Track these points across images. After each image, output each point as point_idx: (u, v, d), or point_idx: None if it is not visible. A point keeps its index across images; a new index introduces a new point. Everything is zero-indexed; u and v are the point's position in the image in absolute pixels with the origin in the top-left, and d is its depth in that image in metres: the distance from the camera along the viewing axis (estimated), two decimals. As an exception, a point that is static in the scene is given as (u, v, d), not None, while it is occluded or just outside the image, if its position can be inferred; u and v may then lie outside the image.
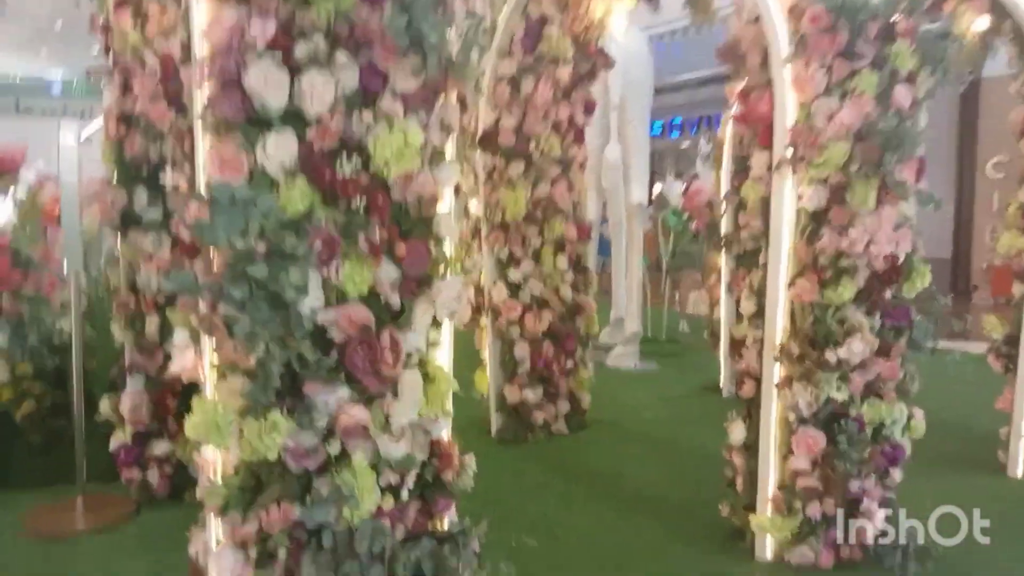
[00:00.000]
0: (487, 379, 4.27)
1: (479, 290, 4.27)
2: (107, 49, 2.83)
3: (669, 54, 10.96)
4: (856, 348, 2.52)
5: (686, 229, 6.92)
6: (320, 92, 1.60)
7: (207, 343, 1.66)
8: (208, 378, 1.70)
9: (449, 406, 1.97)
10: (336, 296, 1.70)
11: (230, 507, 1.65)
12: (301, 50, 1.57)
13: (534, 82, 3.89)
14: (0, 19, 19.80)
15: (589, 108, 4.22)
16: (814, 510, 2.61)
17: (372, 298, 1.76)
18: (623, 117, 6.01)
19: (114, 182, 2.92)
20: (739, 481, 2.90)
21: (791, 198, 2.56)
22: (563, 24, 3.80)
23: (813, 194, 2.52)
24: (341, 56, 1.62)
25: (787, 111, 2.50)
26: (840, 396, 2.56)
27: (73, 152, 2.65)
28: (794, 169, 2.50)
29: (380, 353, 1.70)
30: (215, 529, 1.74)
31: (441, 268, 1.90)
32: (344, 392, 1.70)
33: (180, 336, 1.65)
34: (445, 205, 1.94)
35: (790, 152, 2.49)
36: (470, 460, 2.03)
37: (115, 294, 3.08)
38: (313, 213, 1.59)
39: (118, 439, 3.13)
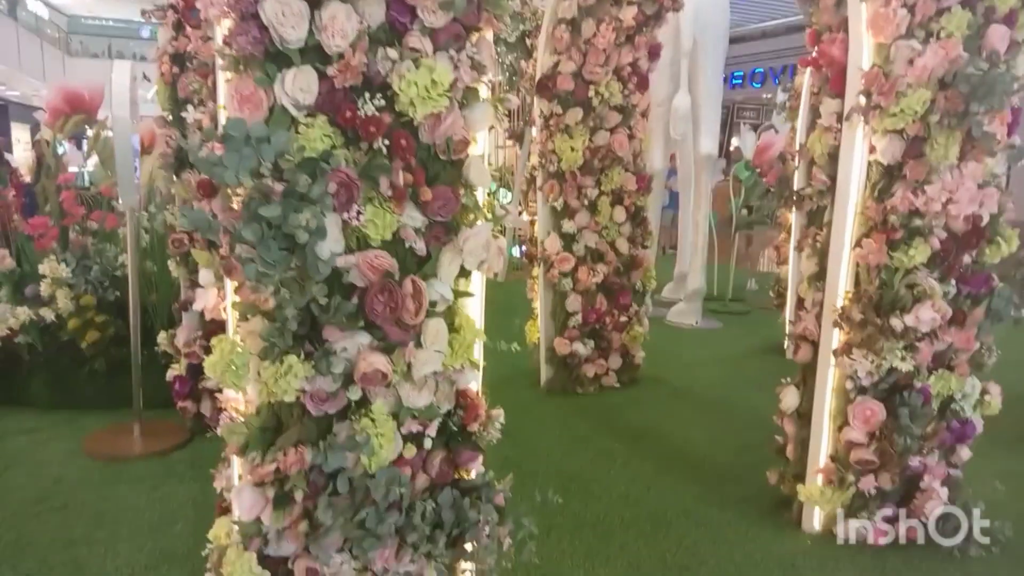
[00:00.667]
0: (537, 330, 4.22)
1: (532, 241, 4.19)
2: (158, -7, 2.83)
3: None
4: (925, 316, 2.33)
5: (758, 183, 6.60)
6: (342, 26, 1.52)
7: (229, 283, 1.65)
8: (230, 318, 1.69)
9: (477, 357, 1.92)
10: (358, 241, 1.65)
11: (250, 447, 1.65)
12: (322, -20, 1.49)
13: (595, 25, 3.70)
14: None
15: (654, 53, 4.00)
16: (868, 484, 2.48)
17: (396, 244, 1.70)
18: (695, 64, 5.71)
19: (168, 121, 2.94)
20: (789, 449, 2.77)
21: (862, 150, 2.36)
22: (628, -39, 3.57)
23: (887, 146, 2.30)
24: (364, -13, 1.53)
25: (862, 54, 2.28)
26: (905, 366, 2.38)
27: (126, 90, 2.68)
28: (866, 118, 2.29)
29: (402, 301, 1.65)
30: (237, 467, 1.75)
31: (471, 215, 1.82)
32: (364, 339, 1.67)
33: (204, 275, 1.64)
34: (477, 149, 1.85)
35: (863, 99, 2.27)
36: (498, 413, 1.98)
37: (169, 232, 3.14)
38: (332, 154, 1.53)
39: (174, 370, 3.23)
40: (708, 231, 6.18)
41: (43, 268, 3.34)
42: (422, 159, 1.73)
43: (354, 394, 1.68)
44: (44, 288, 3.38)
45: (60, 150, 4.47)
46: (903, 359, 2.36)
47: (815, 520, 2.60)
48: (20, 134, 18.65)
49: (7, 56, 17.59)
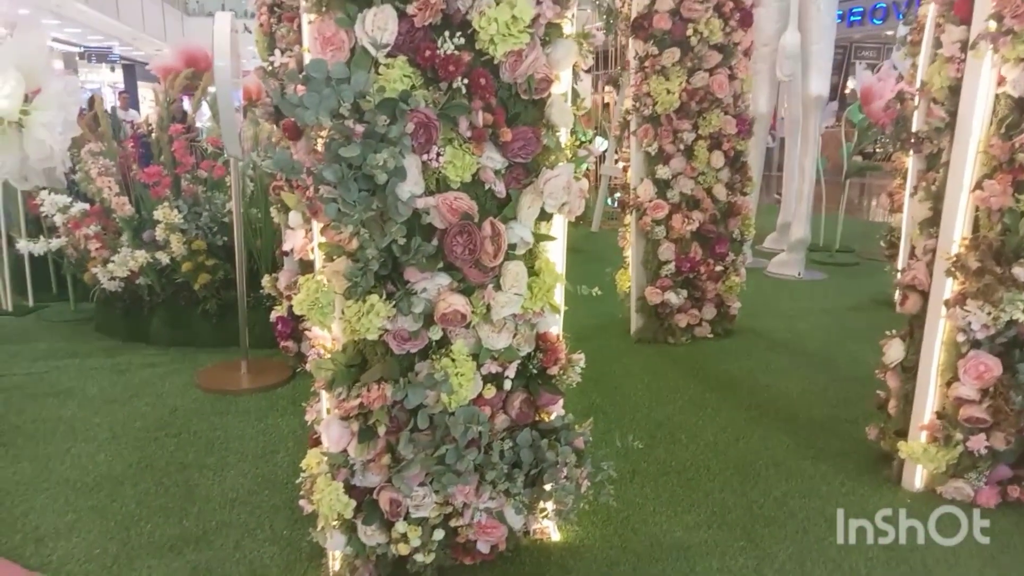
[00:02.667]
0: (628, 279, 4.16)
1: (625, 187, 4.10)
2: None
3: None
4: (1056, 265, 2.12)
5: (872, 127, 6.15)
6: (421, -39, 1.50)
7: (316, 225, 1.70)
8: (317, 258, 1.75)
9: (558, 300, 1.91)
10: (437, 183, 1.65)
11: (336, 382, 1.72)
12: (400, -84, 1.47)
13: (696, -45, 3.50)
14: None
15: (759, -16, 3.75)
16: (978, 443, 2.32)
17: (476, 186, 1.70)
18: (806, -2, 5.33)
19: (267, 71, 3.03)
20: (891, 404, 2.63)
21: (988, 82, 2.14)
22: None
23: (1020, 76, 2.08)
24: (444, -80, 1.50)
25: (994, -28, 2.04)
26: (1028, 318, 2.19)
27: (226, 41, 2.77)
28: (996, 47, 2.06)
29: (480, 243, 1.66)
30: (325, 401, 1.83)
31: (552, 157, 1.79)
32: (444, 280, 1.69)
33: (293, 217, 1.69)
34: (561, 87, 1.81)
35: (993, 24, 2.05)
36: (579, 358, 1.97)
37: (272, 179, 3.27)
38: (411, 94, 1.53)
39: (277, 312, 3.40)
40: (815, 178, 5.85)
41: (158, 214, 3.57)
42: (502, 99, 1.71)
43: (435, 334, 1.72)
44: (159, 233, 3.61)
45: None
46: (1025, 311, 2.17)
47: (916, 478, 2.47)
48: (146, 92, 19.86)
49: (132, 18, 18.64)
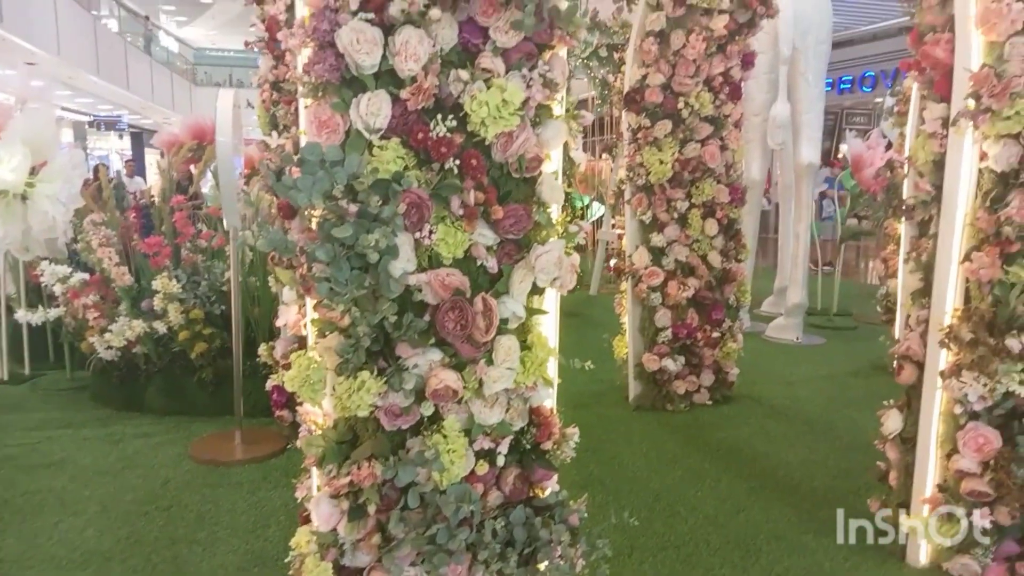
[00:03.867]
0: (625, 346, 4.16)
1: (621, 254, 4.14)
2: (263, 20, 2.99)
3: (860, 0, 9.87)
4: (1048, 336, 2.13)
5: (864, 193, 6.25)
6: (414, 50, 1.56)
7: (309, 301, 1.71)
8: (309, 334, 1.76)
9: (551, 374, 1.90)
10: (430, 259, 1.68)
11: (326, 459, 1.71)
12: (395, 7, 1.53)
13: (684, 36, 3.63)
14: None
15: (748, 62, 3.88)
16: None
17: (468, 262, 1.72)
18: (794, 71, 5.50)
19: (268, 145, 3.11)
20: (892, 476, 2.60)
21: (971, 157, 2.19)
22: (718, -31, 3.48)
23: (1001, 151, 2.12)
24: (435, 11, 1.56)
25: (971, 54, 2.12)
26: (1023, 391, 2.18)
27: (229, 117, 2.85)
28: (976, 123, 2.12)
29: (472, 318, 1.67)
30: (316, 478, 1.81)
31: (543, 232, 1.81)
32: (435, 355, 1.69)
33: (287, 293, 1.71)
34: (551, 166, 1.85)
35: (972, 103, 2.11)
36: (573, 432, 1.95)
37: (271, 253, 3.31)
38: (404, 175, 1.57)
39: (273, 381, 3.38)
40: (810, 242, 5.91)
41: (156, 284, 3.60)
42: (494, 177, 1.75)
43: (427, 410, 1.71)
44: (157, 302, 3.63)
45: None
46: (1022, 383, 2.16)
47: (921, 554, 2.42)
48: (153, 158, 20.27)
49: (142, 88, 19.18)
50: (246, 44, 3.10)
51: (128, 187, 8.90)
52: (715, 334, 4.08)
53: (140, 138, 23.91)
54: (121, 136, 23.71)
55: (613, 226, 5.98)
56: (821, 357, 5.34)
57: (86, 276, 3.95)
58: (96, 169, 4.74)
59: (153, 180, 14.83)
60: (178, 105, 22.14)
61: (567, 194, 7.77)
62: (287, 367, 3.34)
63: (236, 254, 3.22)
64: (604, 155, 8.39)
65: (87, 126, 21.96)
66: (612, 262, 4.41)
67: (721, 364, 4.15)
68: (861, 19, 11.99)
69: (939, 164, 2.31)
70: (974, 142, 2.15)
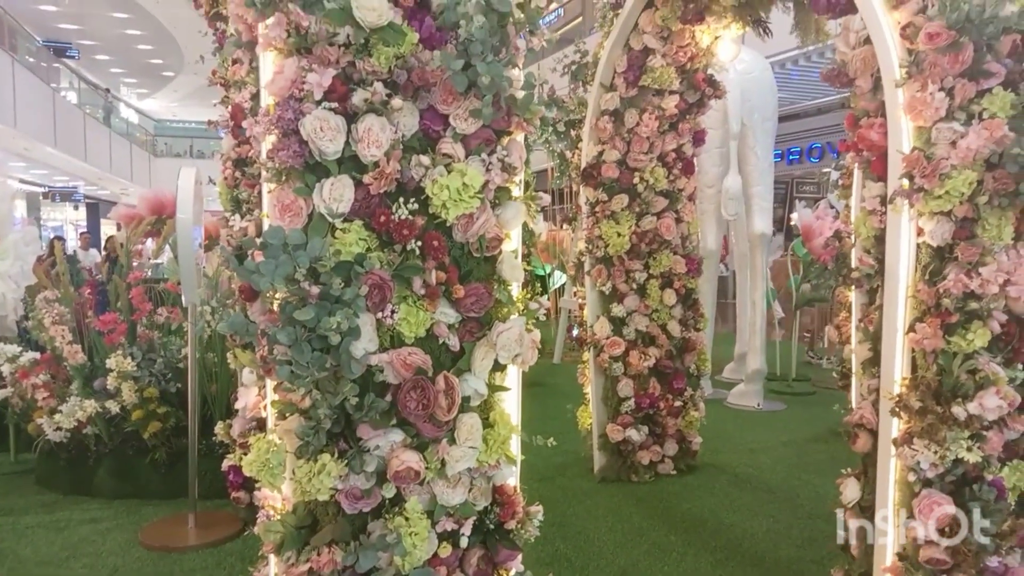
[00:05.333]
0: (589, 416, 4.16)
1: (583, 324, 4.19)
2: (225, 100, 3.05)
3: (805, 77, 10.43)
4: (990, 403, 2.20)
5: (816, 260, 6.47)
6: (376, 136, 1.61)
7: (269, 383, 1.70)
8: (269, 416, 1.74)
9: (514, 452, 1.90)
10: (392, 339, 1.69)
11: (285, 546, 1.66)
12: (358, 97, 1.59)
13: (638, 115, 3.78)
14: (182, 72, 22.38)
15: (699, 139, 4.05)
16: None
17: (430, 340, 1.74)
18: (744, 145, 5.75)
19: (229, 221, 3.12)
20: (854, 545, 2.61)
21: (909, 233, 2.30)
22: (667, 55, 3.67)
23: (935, 228, 2.24)
24: (397, 101, 1.63)
25: (902, 138, 2.26)
26: (972, 457, 2.23)
27: (189, 193, 2.86)
28: (911, 201, 2.24)
29: (434, 397, 1.67)
30: (273, 566, 1.76)
31: (504, 310, 1.85)
32: (397, 436, 1.69)
33: (246, 374, 1.70)
34: (511, 245, 1.90)
35: (906, 183, 2.24)
36: (537, 510, 1.94)
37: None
38: (366, 256, 1.60)
39: (229, 460, 3.30)
40: (766, 309, 6.05)
41: (110, 362, 3.52)
42: (455, 257, 1.78)
43: (388, 492, 1.69)
44: (111, 381, 3.54)
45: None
46: (969, 449, 2.22)
47: (887, 625, 2.41)
48: (109, 229, 20.00)
49: (100, 160, 19.09)
50: (209, 124, 3.14)
51: (83, 260, 8.75)
52: (677, 403, 4.11)
53: (96, 209, 23.63)
54: (76, 207, 23.40)
55: (575, 294, 6.06)
56: (782, 423, 5.40)
57: (36, 355, 3.84)
58: (52, 244, 4.67)
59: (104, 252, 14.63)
60: (137, 176, 22.06)
61: (528, 261, 7.84)
62: (244, 446, 3.28)
63: (194, 330, 3.18)
64: (565, 225, 8.56)
65: (41, 197, 21.66)
66: (575, 332, 4.46)
67: (684, 433, 4.17)
68: (806, 95, 12.63)
69: (880, 239, 2.42)
70: (910, 219, 2.27)
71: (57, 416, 3.54)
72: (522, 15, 1.79)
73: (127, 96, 26.68)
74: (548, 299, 9.49)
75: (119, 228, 4.71)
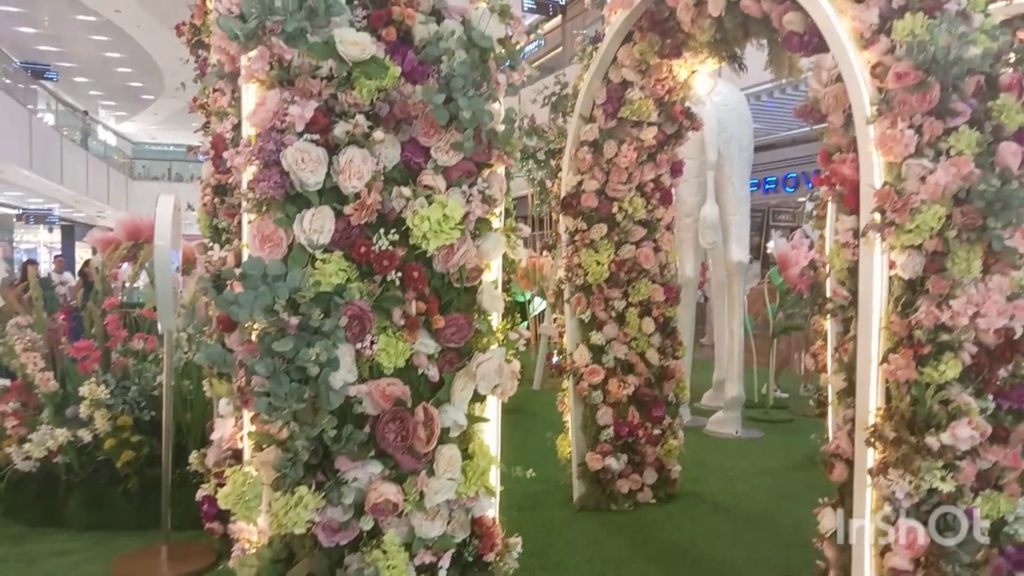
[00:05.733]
0: (568, 445, 4.15)
1: (563, 351, 4.20)
2: (206, 127, 3.04)
3: (780, 108, 10.64)
4: (963, 433, 2.23)
5: (792, 289, 6.55)
6: (358, 168, 1.63)
7: (246, 413, 1.69)
8: (246, 448, 1.72)
9: (493, 483, 1.90)
10: (371, 369, 1.69)
11: (260, 580, 1.64)
12: (340, 129, 1.61)
13: (616, 146, 3.84)
14: (161, 96, 22.33)
15: (676, 169, 4.11)
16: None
17: (409, 371, 1.74)
18: (721, 175, 5.84)
19: (207, 248, 3.10)
20: (832, 575, 2.62)
21: (881, 266, 2.35)
22: (646, 88, 3.74)
23: (907, 261, 2.29)
24: (379, 133, 1.64)
25: (873, 173, 2.31)
26: (946, 487, 2.26)
27: (167, 220, 2.85)
28: (883, 235, 2.29)
29: (413, 429, 1.67)
30: (248, 601, 1.73)
31: (484, 340, 1.85)
32: (375, 468, 1.68)
33: (223, 405, 1.68)
34: (491, 275, 1.91)
35: (878, 217, 2.29)
36: (516, 541, 1.93)
37: (207, 352, 3.24)
38: (346, 287, 1.60)
39: (203, 490, 3.24)
40: (743, 337, 6.11)
41: (83, 390, 3.46)
42: (435, 287, 1.79)
43: (366, 524, 1.68)
44: (83, 409, 3.48)
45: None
46: (943, 479, 2.25)
47: (866, 656, 2.42)
48: (84, 252, 19.78)
49: (76, 182, 18.89)
50: (189, 150, 3.14)
51: (57, 284, 8.63)
52: (656, 431, 4.12)
53: (71, 231, 23.35)
54: (51, 230, 23.11)
55: (555, 320, 6.08)
56: (760, 451, 5.42)
57: (6, 382, 3.76)
58: (25, 268, 4.61)
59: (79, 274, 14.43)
60: (113, 199, 21.86)
61: (508, 287, 7.85)
62: (219, 476, 3.23)
63: (170, 357, 3.14)
64: (544, 252, 8.61)
65: (15, 219, 21.38)
66: (555, 359, 4.46)
67: (663, 461, 4.17)
68: (781, 126, 12.89)
69: (853, 271, 2.47)
70: (882, 252, 2.32)
71: (27, 445, 3.46)
72: (503, 51, 1.82)
73: (105, 119, 26.53)
74: (528, 325, 9.51)
75: (94, 252, 4.65)
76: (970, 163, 2.17)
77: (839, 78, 2.42)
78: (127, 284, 4.89)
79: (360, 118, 1.64)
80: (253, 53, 1.61)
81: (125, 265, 5.08)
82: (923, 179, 2.21)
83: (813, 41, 2.56)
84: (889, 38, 2.29)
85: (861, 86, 2.31)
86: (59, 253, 18.28)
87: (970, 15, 2.31)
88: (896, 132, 2.22)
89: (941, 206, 2.20)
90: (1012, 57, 2.31)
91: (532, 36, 19.86)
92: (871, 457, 2.38)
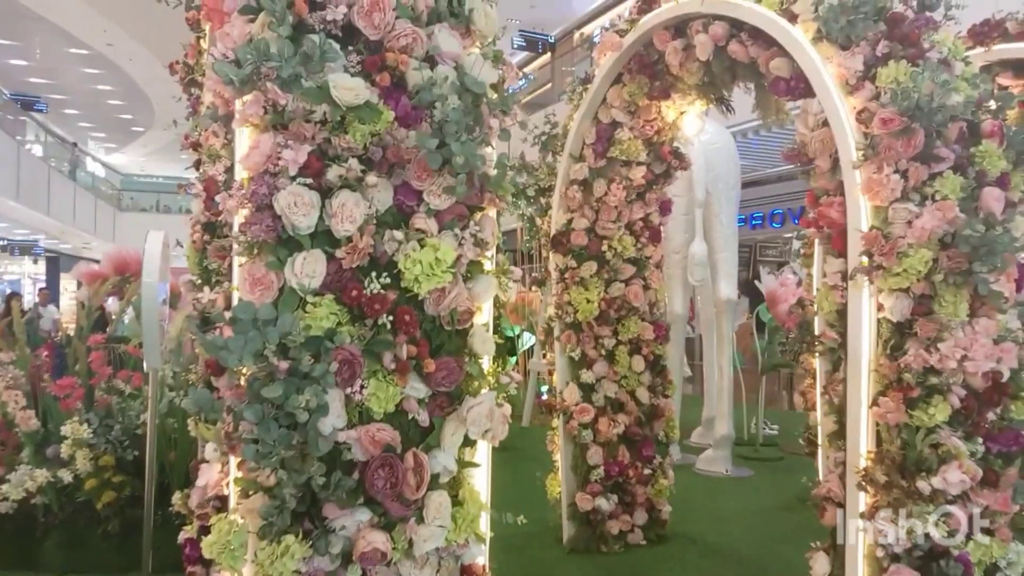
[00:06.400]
0: (558, 485, 4.11)
1: (551, 389, 4.18)
2: (197, 165, 3.05)
3: (767, 145, 10.81)
4: (953, 478, 2.23)
5: (781, 327, 6.57)
6: (350, 212, 1.63)
7: (232, 459, 1.66)
8: (232, 494, 1.69)
9: (483, 530, 1.87)
10: (360, 415, 1.67)
11: (244, 633, 1.60)
12: (333, 173, 1.61)
13: (606, 184, 3.87)
14: (152, 128, 22.40)
15: (665, 208, 4.14)
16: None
17: (399, 415, 1.72)
18: (709, 213, 5.90)
19: (196, 284, 3.07)
20: (826, 620, 2.59)
21: (870, 308, 2.36)
22: (635, 128, 3.79)
23: (895, 304, 2.31)
24: (372, 177, 1.65)
25: (861, 216, 2.34)
26: (938, 532, 2.25)
27: (156, 257, 2.83)
28: (870, 278, 2.31)
29: (403, 475, 1.64)
30: (230, 654, 1.68)
31: (475, 384, 1.84)
32: (364, 515, 1.65)
33: (209, 451, 1.65)
34: (482, 318, 1.91)
35: (865, 260, 2.31)
36: (506, 589, 1.89)
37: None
38: (336, 331, 1.59)
39: (186, 532, 3.17)
40: (733, 374, 6.11)
41: (65, 429, 3.39)
42: (426, 330, 1.78)
43: (354, 573, 1.64)
44: (65, 449, 3.41)
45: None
46: (936, 524, 2.24)
47: None
48: (68, 284, 19.61)
49: (63, 214, 18.80)
50: (179, 188, 3.13)
51: (41, 317, 8.53)
52: (647, 471, 4.08)
53: (56, 263, 23.18)
54: (36, 261, 22.93)
55: (544, 355, 6.06)
56: (750, 490, 5.39)
57: (-14, 418, 3.69)
58: (8, 301, 4.55)
59: (66, 306, 14.25)
60: (100, 230, 21.75)
61: (498, 324, 7.80)
62: (202, 518, 3.16)
63: (155, 395, 3.09)
64: (534, 287, 8.62)
65: None
66: (544, 395, 4.43)
67: (654, 501, 4.13)
68: (768, 163, 13.08)
69: (842, 313, 2.48)
70: (871, 295, 2.33)
71: (5, 486, 3.39)
72: (495, 96, 1.84)
73: (95, 150, 26.53)
74: (517, 361, 9.47)
75: (79, 286, 4.61)
76: (955, 208, 2.20)
77: (825, 123, 2.46)
78: (114, 318, 4.84)
79: (353, 162, 1.64)
80: (248, 98, 1.62)
81: (111, 300, 5.04)
82: (909, 223, 2.25)
83: (800, 86, 2.61)
84: (874, 85, 2.34)
85: (847, 131, 2.35)
86: (44, 285, 18.11)
87: (951, 63, 2.37)
88: (882, 176, 2.25)
89: (928, 250, 2.22)
90: (992, 104, 2.36)
91: (521, 72, 20.09)
92: (862, 501, 2.37)
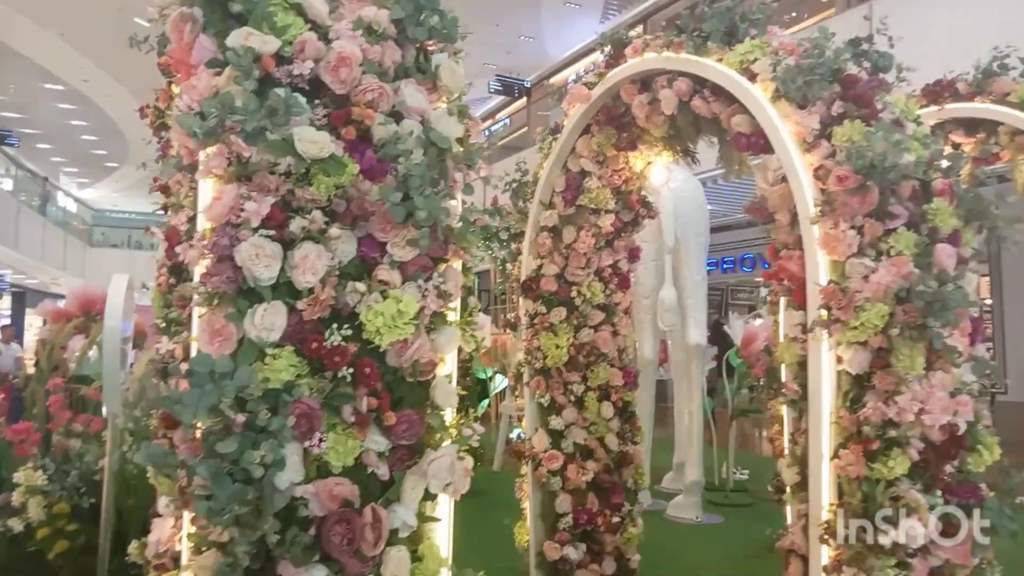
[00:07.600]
0: (527, 532, 4.06)
1: (521, 436, 4.15)
2: (165, 208, 3.04)
3: (736, 191, 11.05)
4: (914, 531, 2.25)
5: (749, 373, 6.64)
6: (313, 264, 1.63)
7: (186, 514, 1.62)
8: (184, 550, 1.65)
9: (443, 586, 1.84)
10: (318, 468, 1.64)
11: None
12: (295, 225, 1.62)
13: (576, 231, 3.92)
14: (126, 164, 22.28)
15: (634, 255, 4.20)
16: None
17: (359, 469, 1.70)
18: (678, 259, 5.98)
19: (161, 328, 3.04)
20: (792, 676, 2.56)
21: (829, 361, 2.40)
22: (603, 177, 3.85)
23: (853, 356, 2.35)
24: (335, 229, 1.66)
25: (819, 270, 2.39)
26: (899, 585, 2.26)
27: (119, 300, 2.80)
28: (829, 331, 2.35)
29: (360, 531, 1.62)
30: None
31: (437, 436, 1.83)
32: (320, 573, 1.61)
33: (163, 504, 1.62)
34: (445, 369, 1.90)
35: (824, 313, 2.36)
36: (466, 648, 1.86)
37: (154, 437, 3.13)
38: (295, 384, 1.58)
39: (141, 586, 3.07)
40: (703, 419, 6.13)
41: (19, 476, 3.29)
42: (388, 381, 1.77)
43: (308, 634, 1.60)
44: (17, 497, 3.30)
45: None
46: (896, 579, 2.25)
47: None
48: (34, 320, 19.17)
49: (31, 248, 18.50)
50: (147, 230, 3.11)
51: (3, 355, 8.32)
52: (615, 519, 4.05)
53: (22, 298, 22.70)
54: (0, 296, 22.45)
55: (516, 397, 6.03)
56: (721, 537, 5.36)
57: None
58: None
59: (30, 343, 13.90)
60: (70, 266, 21.41)
61: (469, 366, 7.76)
62: (159, 567, 3.07)
63: (113, 443, 3.02)
64: (507, 329, 8.62)
65: (-37, 285, 20.78)
66: (514, 436, 4.40)
67: (623, 550, 4.09)
68: (736, 208, 13.35)
69: (803, 365, 2.52)
70: (830, 348, 2.37)
71: (-50, 536, 3.27)
72: (461, 149, 1.87)
73: (67, 185, 26.26)
74: (489, 403, 9.41)
75: (44, 323, 4.53)
76: (909, 263, 2.26)
77: (784, 178, 2.53)
78: (77, 355, 4.75)
79: (317, 214, 1.65)
80: (211, 149, 1.63)
81: (77, 337, 4.94)
82: (866, 278, 2.30)
83: (760, 142, 2.68)
84: (830, 143, 2.41)
85: (805, 187, 2.41)
86: (8, 322, 17.68)
87: (904, 123, 2.46)
88: (839, 232, 2.31)
89: (884, 304, 2.27)
90: (943, 163, 2.45)
91: (498, 116, 20.41)
92: (825, 554, 2.37)
